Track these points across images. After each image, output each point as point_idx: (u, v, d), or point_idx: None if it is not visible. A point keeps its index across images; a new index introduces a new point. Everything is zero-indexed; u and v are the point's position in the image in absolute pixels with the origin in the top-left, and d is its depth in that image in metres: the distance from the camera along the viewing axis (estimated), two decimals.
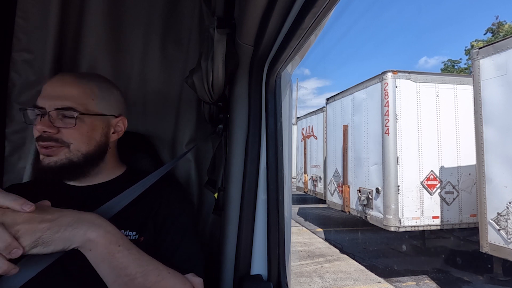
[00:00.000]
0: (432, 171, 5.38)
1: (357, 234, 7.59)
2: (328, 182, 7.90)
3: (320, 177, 8.93)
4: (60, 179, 0.80)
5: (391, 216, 5.28)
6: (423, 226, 5.34)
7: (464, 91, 5.53)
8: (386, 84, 5.42)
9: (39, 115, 0.75)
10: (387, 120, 5.39)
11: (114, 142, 0.88)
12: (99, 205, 0.74)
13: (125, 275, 0.63)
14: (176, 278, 0.70)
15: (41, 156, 0.77)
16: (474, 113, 4.30)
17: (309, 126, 9.92)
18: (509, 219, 3.84)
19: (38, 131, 0.74)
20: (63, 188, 0.83)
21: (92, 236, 0.60)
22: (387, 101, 5.39)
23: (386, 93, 5.40)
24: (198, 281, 0.76)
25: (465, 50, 23.87)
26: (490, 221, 4.06)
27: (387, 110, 5.39)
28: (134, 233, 0.77)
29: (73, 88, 0.78)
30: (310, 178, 9.71)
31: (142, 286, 0.64)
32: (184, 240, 0.80)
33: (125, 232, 0.76)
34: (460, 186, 5.46)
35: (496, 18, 30.77)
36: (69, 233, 0.58)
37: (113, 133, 0.85)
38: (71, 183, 0.83)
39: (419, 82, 5.43)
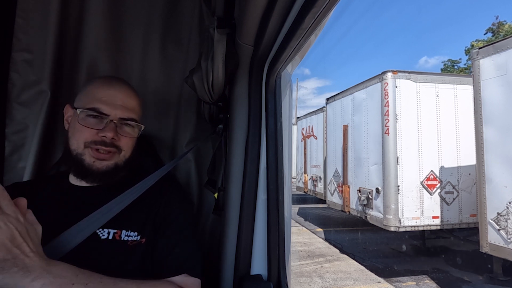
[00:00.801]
0: (432, 171, 5.38)
1: (357, 234, 7.59)
2: (328, 182, 7.89)
3: (320, 177, 8.93)
4: (102, 182, 0.81)
5: (391, 216, 5.28)
6: (423, 226, 5.34)
7: (464, 91, 5.53)
8: (386, 84, 5.42)
9: (102, 121, 0.79)
10: (387, 120, 5.39)
11: None
12: (99, 206, 0.74)
13: None
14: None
15: (90, 159, 0.78)
16: (474, 113, 4.30)
17: (309, 126, 9.91)
18: (509, 219, 3.84)
19: (106, 137, 0.78)
20: (66, 187, 0.83)
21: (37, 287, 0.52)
22: (387, 101, 5.39)
23: (386, 93, 5.40)
24: (191, 282, 0.75)
25: (465, 50, 23.86)
26: (490, 221, 4.06)
27: (387, 110, 5.39)
28: (136, 233, 0.77)
29: (134, 100, 0.86)
30: (310, 178, 9.70)
31: None
32: (180, 240, 0.80)
33: (127, 233, 0.76)
34: (460, 186, 5.46)
35: (496, 18, 30.78)
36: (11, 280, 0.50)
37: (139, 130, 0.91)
38: (76, 183, 0.83)
39: (419, 82, 5.43)
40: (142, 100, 0.92)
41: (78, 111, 0.79)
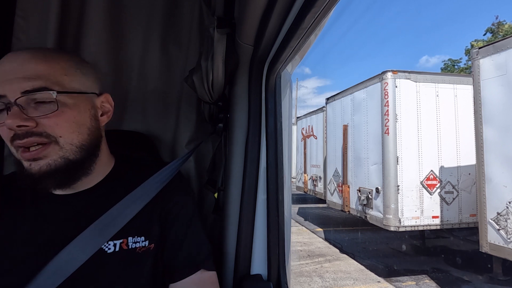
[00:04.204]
0: (432, 171, 5.38)
1: (357, 233, 7.59)
2: (328, 182, 7.89)
3: (320, 176, 8.93)
4: (57, 187, 0.62)
5: (391, 216, 5.28)
6: (423, 225, 5.34)
7: (464, 91, 5.52)
8: (386, 84, 5.42)
9: (3, 109, 0.57)
10: (387, 120, 5.39)
11: (104, 128, 0.74)
12: (98, 215, 0.65)
13: None
14: None
15: (25, 164, 0.59)
16: (474, 113, 4.30)
17: (309, 126, 9.91)
18: (509, 218, 3.84)
19: (11, 128, 0.56)
20: (48, 200, 0.67)
21: None
22: (387, 101, 5.39)
23: (386, 93, 5.40)
24: (209, 276, 0.72)
25: (465, 50, 23.86)
26: (490, 220, 4.06)
27: (387, 110, 5.39)
28: (143, 238, 0.69)
29: (42, 63, 0.59)
30: (310, 178, 9.70)
31: None
32: (189, 234, 0.74)
33: (134, 239, 0.68)
34: (460, 186, 5.46)
35: (496, 18, 30.76)
36: None
37: (101, 115, 0.70)
38: (58, 192, 0.66)
39: (419, 82, 5.43)
40: (70, 59, 0.65)
41: None
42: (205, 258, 0.74)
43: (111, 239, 0.65)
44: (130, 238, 0.67)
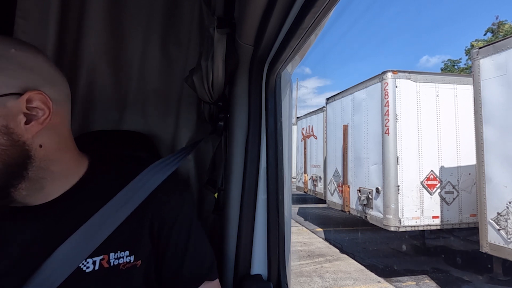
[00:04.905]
0: (432, 171, 5.38)
1: (357, 233, 7.59)
2: (328, 182, 7.90)
3: (320, 177, 8.93)
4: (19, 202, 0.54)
5: (391, 216, 5.28)
6: (423, 226, 5.34)
7: (464, 91, 5.53)
8: (386, 84, 5.42)
9: None
10: (387, 120, 5.39)
11: (51, 136, 0.55)
12: (70, 230, 0.55)
13: None
14: None
15: None
16: (474, 113, 4.30)
17: (309, 126, 9.92)
18: (509, 219, 3.84)
19: None
20: (5, 217, 0.57)
21: None
22: (387, 101, 5.39)
23: (386, 93, 5.40)
24: (211, 286, 0.67)
25: (465, 50, 23.86)
26: (490, 221, 4.06)
27: (387, 110, 5.39)
28: (127, 252, 0.58)
29: None
30: (310, 178, 9.70)
31: None
32: (191, 241, 0.65)
33: (116, 254, 0.58)
34: (460, 186, 5.46)
35: (496, 18, 30.76)
36: None
37: (26, 123, 0.51)
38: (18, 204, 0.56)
39: (419, 82, 5.43)
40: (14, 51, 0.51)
41: None
42: (209, 269, 0.67)
43: (90, 256, 0.56)
44: (112, 254, 0.57)
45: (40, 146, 0.53)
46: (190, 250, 0.65)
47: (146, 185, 0.63)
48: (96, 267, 0.56)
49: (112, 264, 0.57)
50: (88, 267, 0.56)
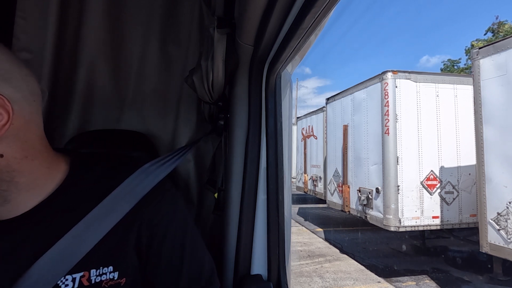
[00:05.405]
0: (432, 171, 5.38)
1: (357, 234, 7.59)
2: (328, 182, 7.89)
3: (320, 177, 8.94)
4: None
5: (391, 216, 5.28)
6: (423, 226, 5.34)
7: (464, 91, 5.53)
8: (386, 84, 5.42)
9: None
10: (387, 120, 5.39)
11: (12, 143, 0.48)
12: (40, 245, 0.50)
13: None
14: None
15: None
16: (474, 113, 4.30)
17: (309, 126, 9.92)
18: (509, 219, 3.84)
19: None
20: None
21: None
22: (387, 101, 5.39)
23: (386, 93, 5.40)
24: None
25: (465, 50, 23.86)
26: (490, 221, 4.06)
27: (387, 110, 5.39)
28: (111, 268, 0.53)
29: None
30: (310, 178, 9.70)
31: None
32: (186, 251, 0.60)
33: (98, 271, 0.52)
34: (460, 186, 5.46)
35: (496, 18, 30.73)
36: None
37: None
38: None
39: (419, 82, 5.44)
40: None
41: None
42: (208, 281, 0.62)
43: (69, 273, 0.51)
44: (93, 271, 0.52)
45: (1, 156, 0.47)
46: (186, 261, 0.59)
47: (134, 191, 0.56)
48: (76, 285, 0.51)
49: (93, 281, 0.52)
50: (67, 285, 0.50)
